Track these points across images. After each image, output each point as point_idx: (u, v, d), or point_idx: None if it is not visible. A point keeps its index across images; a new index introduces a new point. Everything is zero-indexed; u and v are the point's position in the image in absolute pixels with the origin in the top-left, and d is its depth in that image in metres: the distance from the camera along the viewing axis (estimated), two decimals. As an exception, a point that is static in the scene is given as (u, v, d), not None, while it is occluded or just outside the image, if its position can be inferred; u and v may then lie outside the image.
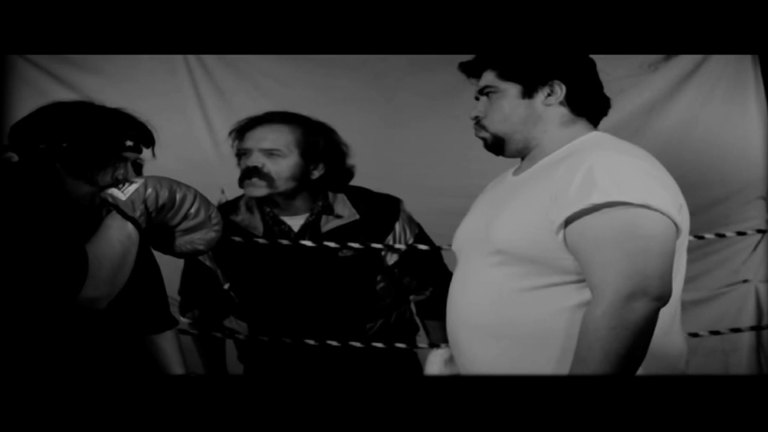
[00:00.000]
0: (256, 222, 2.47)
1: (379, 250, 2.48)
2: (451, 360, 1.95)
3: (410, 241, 2.51)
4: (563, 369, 1.64)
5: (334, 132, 2.49)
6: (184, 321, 2.55)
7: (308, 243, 2.43)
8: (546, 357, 1.67)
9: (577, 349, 1.59)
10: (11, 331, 1.62)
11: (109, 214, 1.70)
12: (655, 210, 1.61)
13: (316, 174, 2.43)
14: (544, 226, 1.67)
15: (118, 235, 1.68)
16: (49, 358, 1.66)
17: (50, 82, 3.33)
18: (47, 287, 1.58)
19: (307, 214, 2.47)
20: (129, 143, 1.74)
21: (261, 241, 2.44)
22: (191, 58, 3.48)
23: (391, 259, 2.51)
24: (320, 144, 2.43)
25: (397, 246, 2.50)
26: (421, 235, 2.54)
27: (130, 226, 1.70)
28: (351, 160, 2.51)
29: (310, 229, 2.46)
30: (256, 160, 2.39)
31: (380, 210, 2.50)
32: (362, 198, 2.50)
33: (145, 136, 1.78)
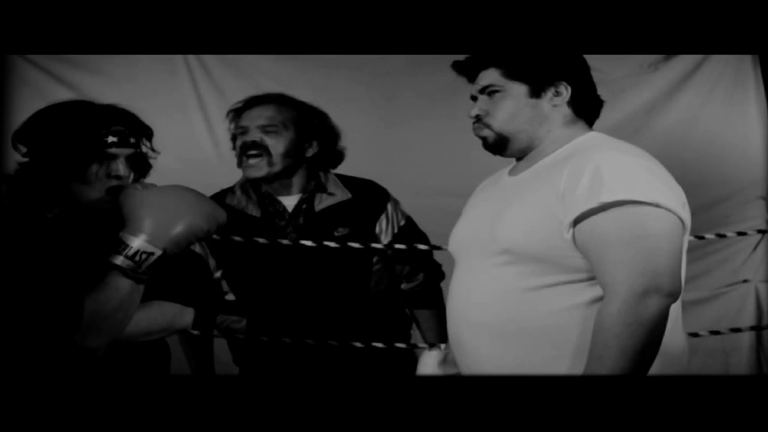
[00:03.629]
0: (251, 204, 2.49)
1: (374, 230, 2.51)
2: (444, 361, 1.95)
3: (401, 223, 2.55)
4: (573, 366, 1.65)
5: (327, 116, 2.56)
6: None
7: (308, 243, 2.44)
8: (555, 354, 1.68)
9: (592, 346, 1.60)
10: (10, 330, 1.62)
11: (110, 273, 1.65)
12: (664, 208, 1.62)
13: (310, 152, 2.49)
14: (552, 225, 1.67)
15: (116, 295, 1.64)
16: (45, 358, 1.65)
17: (50, 82, 3.33)
18: (39, 330, 1.59)
19: (301, 194, 2.50)
20: (112, 139, 1.71)
21: (261, 241, 2.45)
22: (191, 58, 3.48)
23: (386, 239, 2.53)
24: (315, 122, 2.51)
25: (397, 246, 2.52)
26: (410, 221, 2.59)
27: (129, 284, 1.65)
28: (342, 143, 2.57)
29: (305, 207, 2.48)
30: (254, 135, 2.45)
31: (371, 190, 2.56)
32: (352, 180, 2.56)
33: (136, 130, 1.76)
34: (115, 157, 1.72)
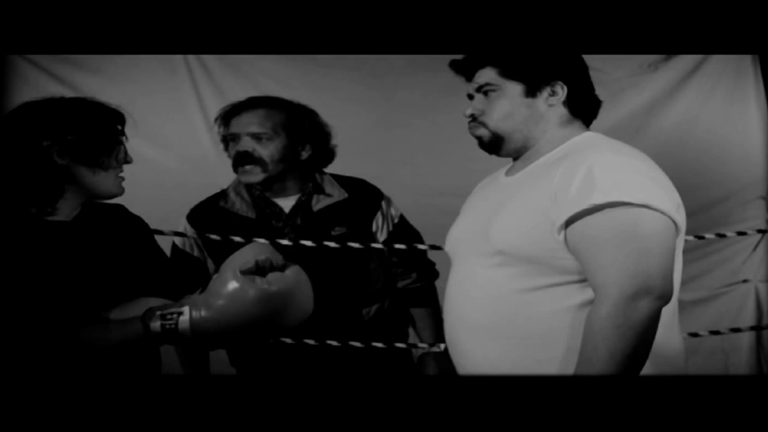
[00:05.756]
0: (246, 206, 2.49)
1: (370, 229, 2.52)
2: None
3: (396, 220, 2.57)
4: (565, 368, 1.64)
5: (315, 113, 2.55)
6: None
7: (308, 243, 2.44)
8: (548, 356, 1.67)
9: (582, 348, 1.59)
10: (11, 329, 1.62)
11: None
12: (656, 209, 1.61)
13: (304, 155, 2.49)
14: (545, 226, 1.67)
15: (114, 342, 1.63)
16: (46, 357, 1.65)
17: (50, 82, 3.32)
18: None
19: (298, 195, 2.50)
20: (119, 127, 1.78)
21: (262, 241, 2.44)
22: (191, 58, 3.48)
23: (382, 236, 2.55)
24: (305, 125, 2.50)
25: (397, 246, 2.53)
26: (403, 218, 2.60)
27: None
28: (334, 140, 2.57)
29: (302, 209, 2.49)
30: (246, 144, 2.44)
31: (365, 189, 2.57)
32: (345, 180, 2.57)
33: (122, 121, 1.81)
34: (121, 144, 1.79)
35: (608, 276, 1.59)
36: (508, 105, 1.82)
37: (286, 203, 2.50)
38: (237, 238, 2.45)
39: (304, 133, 2.48)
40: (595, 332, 1.57)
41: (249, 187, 2.50)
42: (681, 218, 1.69)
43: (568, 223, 1.64)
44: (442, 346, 1.98)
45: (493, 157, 1.90)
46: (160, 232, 2.57)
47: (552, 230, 1.66)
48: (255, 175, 2.43)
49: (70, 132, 1.70)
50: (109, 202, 1.85)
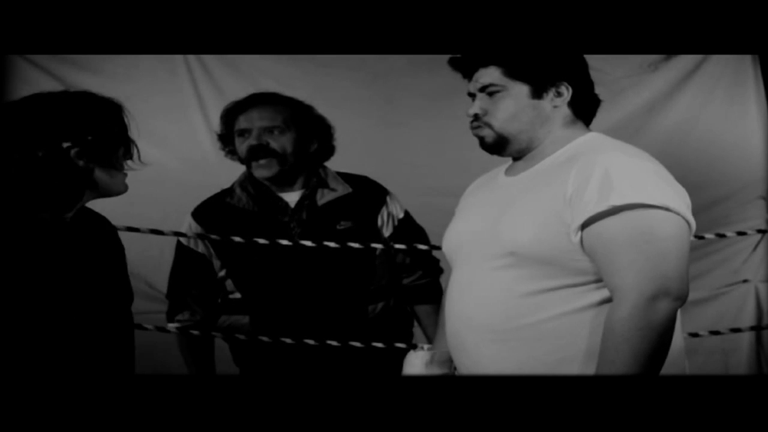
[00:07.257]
0: (253, 201, 2.51)
1: (376, 223, 2.53)
2: (431, 362, 1.93)
3: (401, 216, 2.58)
4: (573, 370, 1.64)
5: (313, 108, 2.57)
6: (171, 327, 2.55)
7: (308, 243, 2.44)
8: (555, 358, 1.67)
9: (603, 350, 1.59)
10: (12, 333, 1.62)
11: None
12: (673, 211, 1.61)
13: (312, 148, 2.51)
14: (559, 228, 1.66)
15: None
16: (46, 358, 1.65)
17: (50, 82, 3.33)
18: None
19: (302, 189, 2.51)
20: (129, 123, 1.74)
21: (262, 241, 2.45)
22: (191, 58, 3.48)
23: (387, 231, 2.56)
24: (310, 119, 2.53)
25: (398, 246, 2.53)
26: (408, 214, 2.61)
27: None
28: (335, 137, 2.60)
29: (307, 203, 2.50)
30: (260, 138, 2.45)
31: (369, 185, 2.58)
32: (349, 176, 2.58)
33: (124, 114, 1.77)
34: (132, 141, 1.74)
35: (626, 278, 1.59)
36: (513, 106, 1.79)
37: (291, 198, 2.51)
38: (237, 239, 2.45)
39: (310, 127, 2.51)
40: (617, 334, 1.57)
41: (255, 182, 2.51)
42: (692, 219, 1.69)
43: (585, 224, 1.63)
44: (426, 346, 1.98)
45: (494, 158, 1.89)
46: (160, 232, 2.59)
47: (567, 232, 1.65)
48: (270, 168, 2.45)
49: (90, 132, 1.64)
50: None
